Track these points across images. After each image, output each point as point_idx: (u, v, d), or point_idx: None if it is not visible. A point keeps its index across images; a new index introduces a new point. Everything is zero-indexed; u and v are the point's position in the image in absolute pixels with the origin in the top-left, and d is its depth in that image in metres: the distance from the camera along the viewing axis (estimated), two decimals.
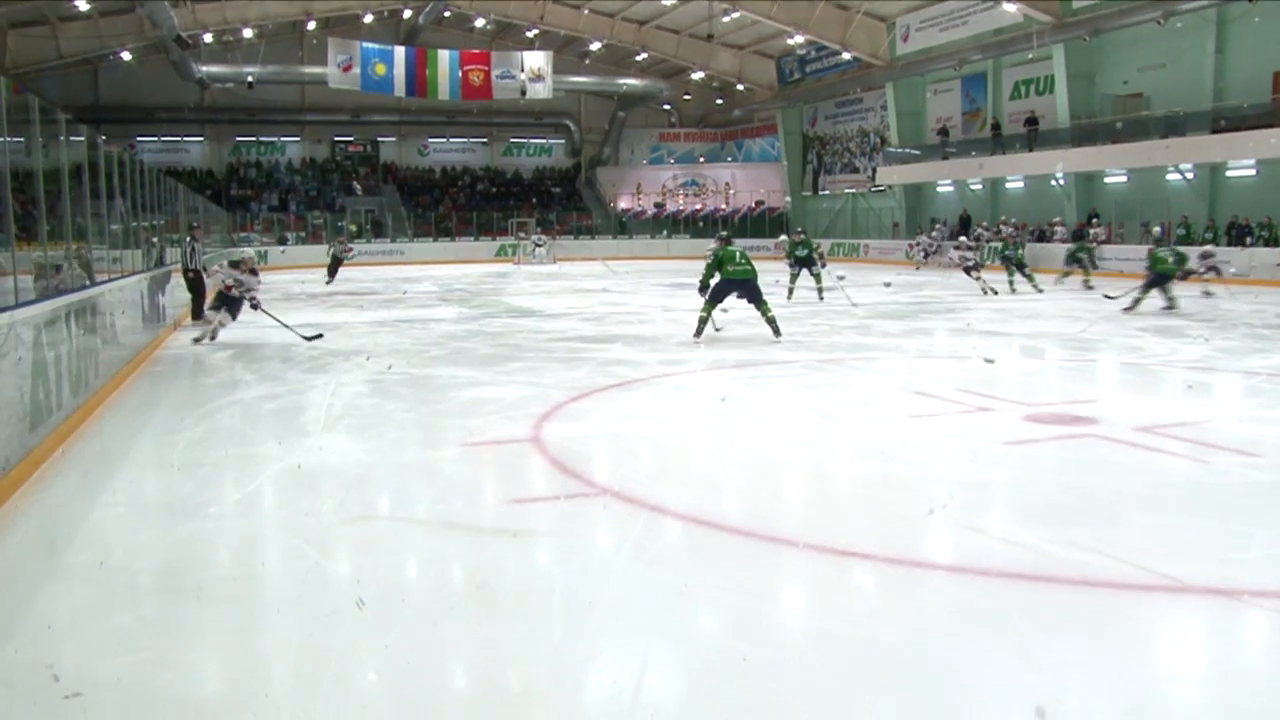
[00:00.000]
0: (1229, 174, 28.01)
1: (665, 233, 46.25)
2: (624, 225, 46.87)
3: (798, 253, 19.53)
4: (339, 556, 4.97)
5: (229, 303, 13.27)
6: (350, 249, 28.70)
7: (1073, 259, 24.39)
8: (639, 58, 45.32)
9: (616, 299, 17.54)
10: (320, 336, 13.20)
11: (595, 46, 44.05)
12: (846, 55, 39.26)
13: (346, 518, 5.60)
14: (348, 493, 6.10)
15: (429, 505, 5.87)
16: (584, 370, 10.58)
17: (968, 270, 21.47)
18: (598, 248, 41.53)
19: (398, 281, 27.00)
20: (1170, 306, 16.24)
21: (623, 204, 48.84)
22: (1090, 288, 22.13)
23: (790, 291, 18.85)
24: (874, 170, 40.55)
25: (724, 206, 48.32)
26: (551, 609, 4.26)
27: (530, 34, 42.79)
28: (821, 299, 18.90)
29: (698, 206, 48.79)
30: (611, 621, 4.14)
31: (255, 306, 13.28)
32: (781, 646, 3.92)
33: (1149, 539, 5.12)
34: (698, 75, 45.68)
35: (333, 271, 26.42)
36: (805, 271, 19.30)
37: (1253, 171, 27.24)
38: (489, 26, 43.88)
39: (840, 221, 43.24)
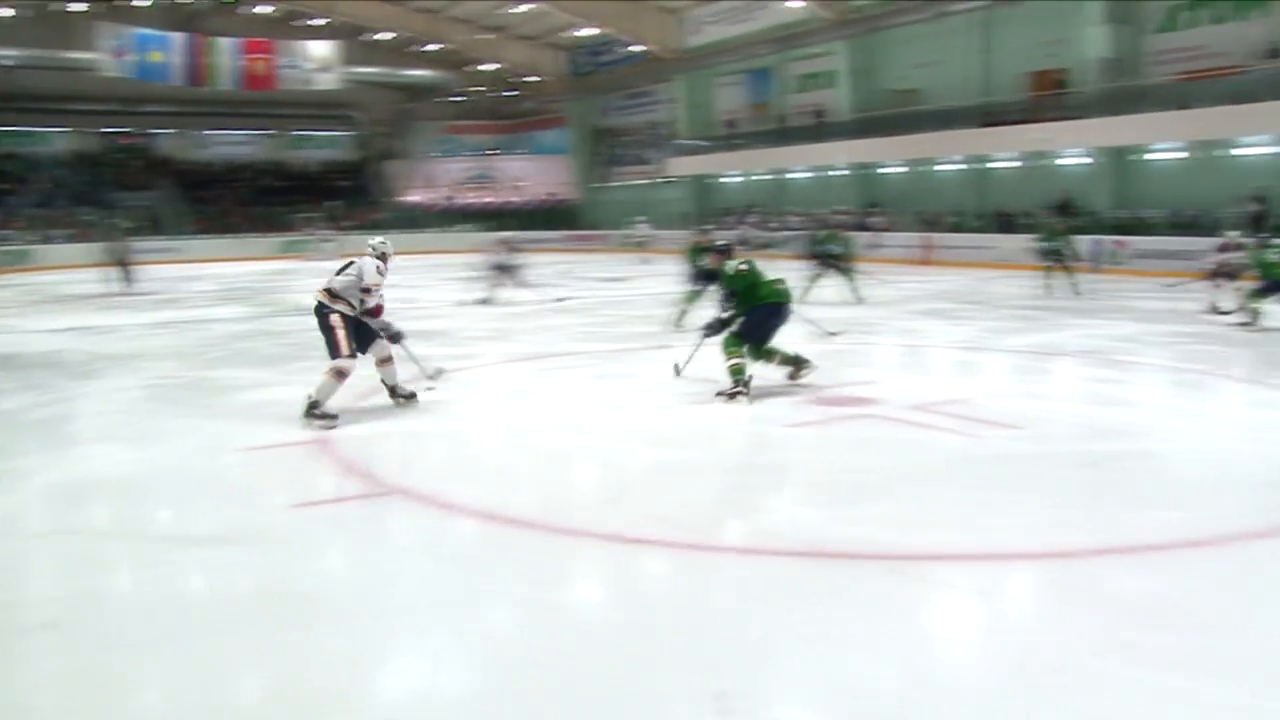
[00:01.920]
0: (993, 166, 29.71)
1: (456, 226, 45.55)
2: (414, 219, 45.68)
3: (832, 248, 16.77)
4: (110, 572, 4.72)
5: None
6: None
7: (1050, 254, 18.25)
8: (429, 48, 44.54)
9: (406, 294, 17.19)
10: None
11: (384, 36, 43.04)
12: (637, 48, 39.71)
13: (117, 531, 5.32)
14: (120, 505, 5.79)
15: (209, 514, 5.61)
16: (370, 368, 10.31)
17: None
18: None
19: (177, 281, 25.77)
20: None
21: (412, 197, 47.89)
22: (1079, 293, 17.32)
23: (681, 315, 13.02)
24: (664, 162, 41.13)
25: (515, 199, 48.06)
26: (341, 613, 4.17)
27: (317, 22, 41.50)
28: (860, 300, 16.31)
29: (489, 199, 48.34)
30: (404, 622, 4.09)
31: None
32: (576, 637, 3.95)
33: (924, 511, 5.39)
34: (489, 67, 45.34)
35: (123, 272, 22.00)
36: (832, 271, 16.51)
37: (1017, 164, 28.97)
38: (274, 13, 41.97)
39: (631, 212, 43.60)
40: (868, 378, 9.19)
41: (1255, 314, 12.60)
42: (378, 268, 7.94)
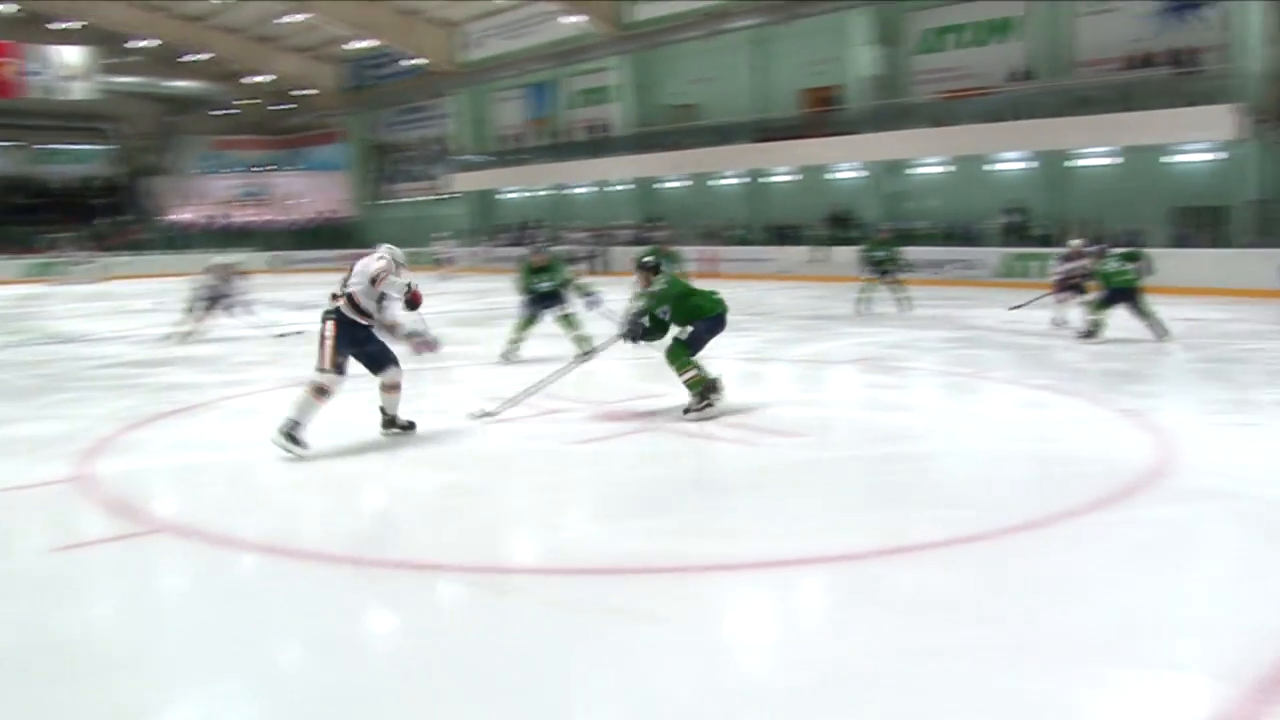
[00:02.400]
0: (769, 180, 30.66)
1: (226, 246, 43.29)
2: (179, 239, 42.66)
3: (877, 255, 16.81)
4: None
5: None
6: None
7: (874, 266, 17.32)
8: (194, 58, 42.52)
9: (172, 317, 16.24)
10: None
11: (144, 44, 40.58)
12: (415, 61, 39.14)
13: None
14: None
15: None
16: (137, 398, 9.75)
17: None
18: (149, 263, 37.83)
19: None
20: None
21: (179, 216, 45.43)
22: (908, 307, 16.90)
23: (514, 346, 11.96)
24: (444, 178, 40.63)
25: (290, 217, 46.46)
26: (112, 662, 3.86)
27: (68, 26, 38.54)
28: (908, 308, 16.51)
29: (263, 218, 46.51)
30: (183, 667, 3.81)
31: None
32: (370, 671, 3.77)
33: (713, 521, 5.46)
34: (260, 78, 43.75)
35: None
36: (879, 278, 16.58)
37: (792, 178, 29.99)
38: (18, 14, 38.50)
39: (409, 229, 42.65)
40: (653, 391, 9.25)
41: (1097, 325, 12.52)
42: (385, 263, 7.19)
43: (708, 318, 8.39)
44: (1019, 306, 15.41)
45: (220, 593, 4.61)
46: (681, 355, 8.23)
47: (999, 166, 25.91)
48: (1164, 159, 23.04)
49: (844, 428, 7.81)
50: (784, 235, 28.52)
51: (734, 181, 31.59)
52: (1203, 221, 21.72)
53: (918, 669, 3.61)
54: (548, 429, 7.85)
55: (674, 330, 8.32)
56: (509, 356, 11.63)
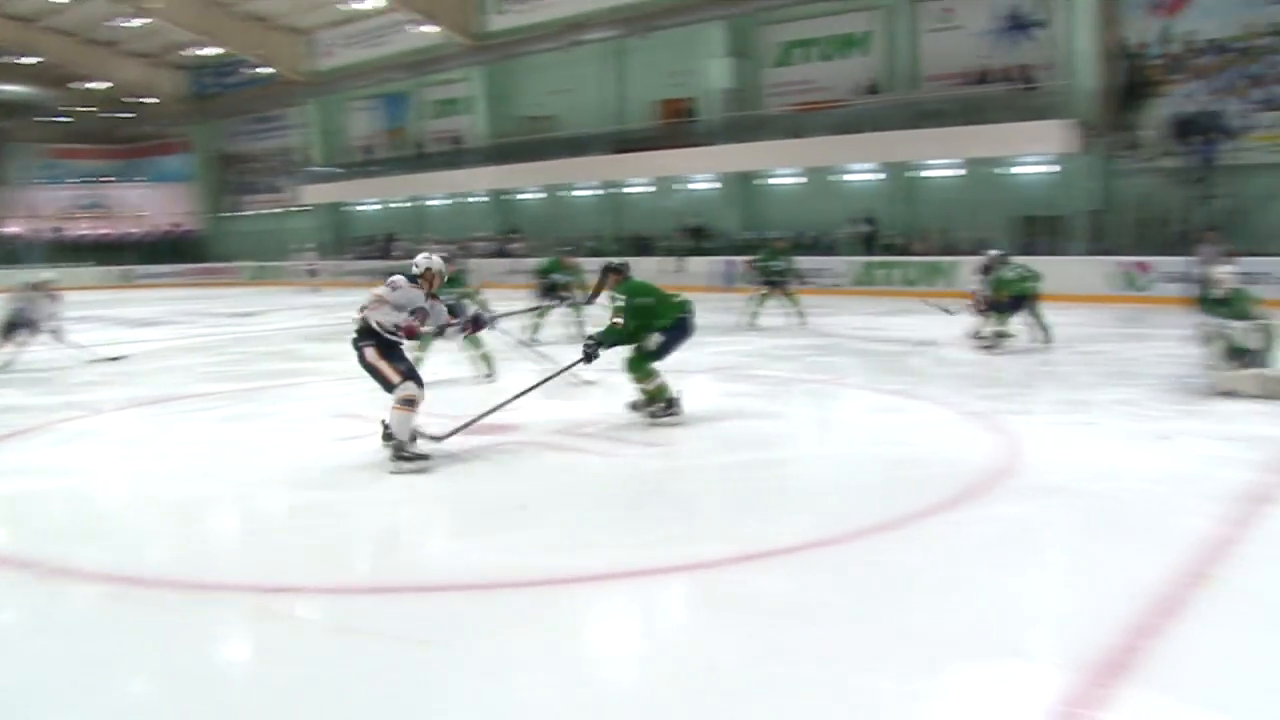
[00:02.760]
0: (627, 191, 30.82)
1: (62, 261, 41.29)
2: (14, 253, 39.67)
3: (775, 265, 15.89)
4: None
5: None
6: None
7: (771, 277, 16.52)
8: (23, 61, 40.38)
9: None
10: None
11: None
12: (265, 69, 38.15)
13: None
14: None
15: None
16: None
17: None
18: None
19: None
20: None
21: (11, 229, 43.04)
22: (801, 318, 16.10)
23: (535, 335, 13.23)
24: (296, 190, 39.65)
25: (134, 230, 44.69)
26: None
27: None
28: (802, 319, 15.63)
29: (103, 231, 44.61)
30: (16, 710, 3.57)
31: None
32: (225, 703, 3.61)
33: (572, 534, 5.42)
34: (98, 85, 41.99)
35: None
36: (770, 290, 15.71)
37: (649, 189, 30.19)
38: None
39: (259, 243, 41.50)
40: (513, 404, 9.13)
41: (1003, 335, 12.51)
42: (378, 293, 6.93)
43: (670, 328, 8.27)
44: (947, 310, 14.72)
45: (58, 628, 4.35)
46: (642, 367, 8.18)
47: (850, 177, 26.55)
48: (1005, 171, 24.01)
49: (700, 436, 7.84)
50: (641, 246, 28.68)
51: (591, 193, 31.65)
52: (1042, 230, 22.71)
53: (775, 672, 3.64)
54: None
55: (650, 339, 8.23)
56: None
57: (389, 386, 6.85)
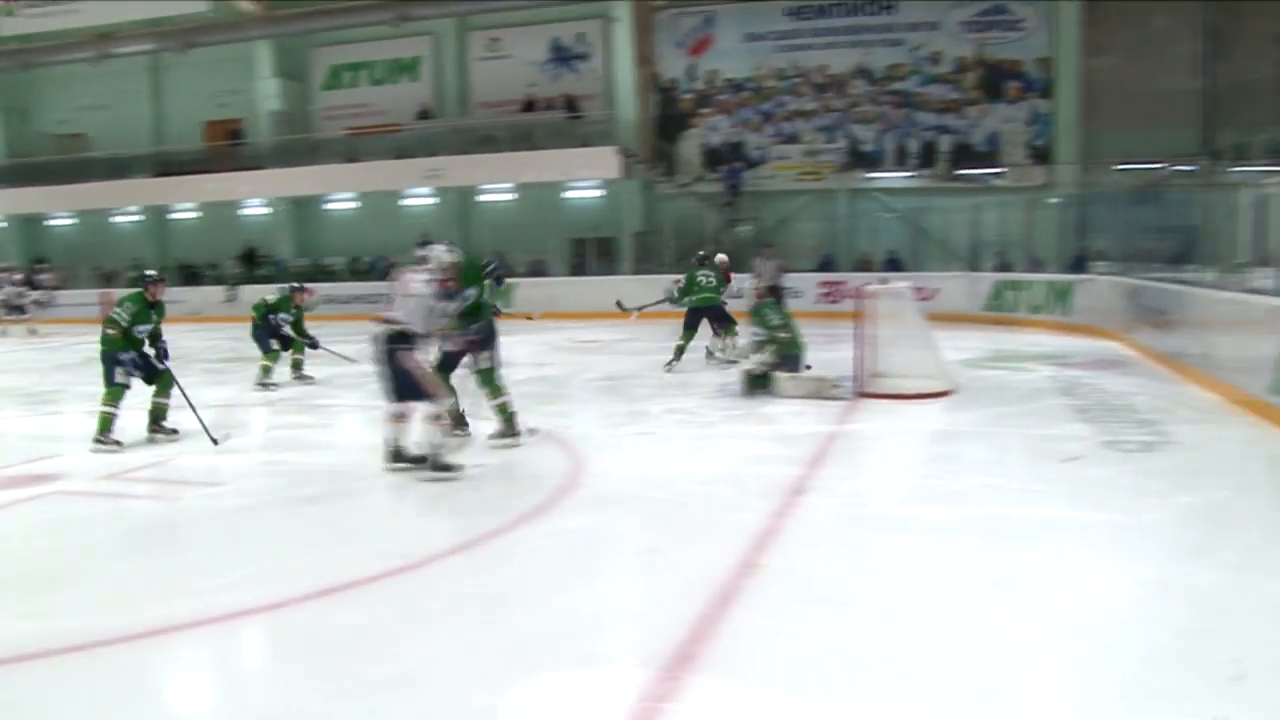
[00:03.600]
0: (173, 217, 29.03)
1: None
2: None
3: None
4: None
5: None
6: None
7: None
8: None
9: None
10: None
11: None
12: None
13: None
14: None
15: None
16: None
17: None
18: None
19: None
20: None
21: None
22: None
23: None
24: None
25: None
26: None
27: None
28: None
29: None
30: None
31: None
32: None
33: (128, 587, 5.02)
34: None
35: None
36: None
37: (196, 214, 28.61)
38: None
39: None
40: (50, 451, 8.33)
41: (679, 351, 12.48)
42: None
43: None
44: (642, 307, 14.43)
45: None
46: (493, 381, 8.13)
47: (410, 202, 26.59)
48: (560, 194, 25.14)
49: (264, 472, 7.52)
50: (193, 274, 27.10)
51: (134, 218, 29.45)
52: (596, 251, 24.06)
53: (357, 707, 3.59)
54: None
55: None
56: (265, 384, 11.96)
57: (420, 397, 7.12)
